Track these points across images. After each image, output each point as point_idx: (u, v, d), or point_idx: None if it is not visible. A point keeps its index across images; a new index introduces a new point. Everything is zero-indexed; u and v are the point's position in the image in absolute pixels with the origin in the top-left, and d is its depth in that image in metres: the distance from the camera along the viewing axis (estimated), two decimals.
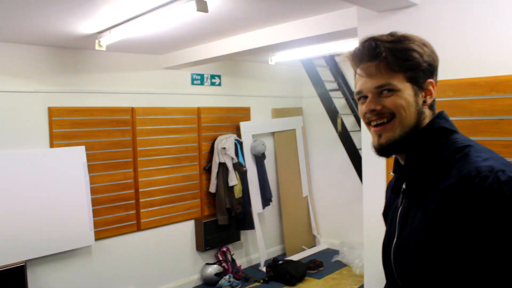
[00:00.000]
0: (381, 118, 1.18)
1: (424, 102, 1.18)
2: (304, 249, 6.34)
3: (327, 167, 6.47)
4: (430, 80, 1.18)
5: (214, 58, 4.37)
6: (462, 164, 1.06)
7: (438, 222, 1.04)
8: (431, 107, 1.21)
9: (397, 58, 1.14)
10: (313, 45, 4.28)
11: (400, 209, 1.22)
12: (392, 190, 1.28)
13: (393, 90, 1.15)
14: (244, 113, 5.81)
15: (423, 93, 1.18)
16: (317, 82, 5.70)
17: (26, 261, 3.86)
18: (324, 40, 3.67)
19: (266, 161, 5.85)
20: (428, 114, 1.19)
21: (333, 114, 5.56)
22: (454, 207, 1.01)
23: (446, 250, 1.03)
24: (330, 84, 5.80)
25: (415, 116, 1.17)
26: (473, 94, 2.54)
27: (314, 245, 6.53)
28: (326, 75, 5.86)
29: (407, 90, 1.16)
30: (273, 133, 6.20)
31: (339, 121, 5.51)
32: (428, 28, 2.64)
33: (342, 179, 6.15)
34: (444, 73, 2.55)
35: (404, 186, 1.22)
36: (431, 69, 1.19)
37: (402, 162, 1.24)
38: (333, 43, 4.12)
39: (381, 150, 1.20)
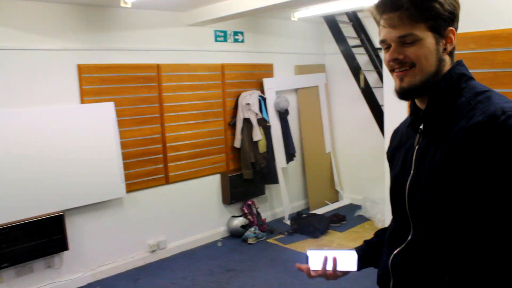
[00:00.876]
0: (403, 66, 1.24)
1: (445, 49, 1.24)
2: (327, 204, 6.49)
3: (349, 123, 6.53)
4: (451, 28, 1.23)
5: (237, 14, 4.41)
6: (485, 104, 1.14)
7: (463, 156, 1.12)
8: (451, 54, 1.27)
9: (418, 9, 1.19)
10: (335, 1, 4.29)
11: (417, 148, 1.29)
12: (412, 129, 1.35)
13: (415, 40, 1.21)
14: (267, 70, 5.87)
15: (444, 41, 1.23)
16: (339, 39, 5.69)
17: (64, 211, 4.10)
18: None
19: (289, 117, 5.93)
20: (447, 61, 1.26)
21: (356, 71, 5.58)
22: (480, 143, 1.10)
23: (469, 182, 1.12)
24: (353, 40, 5.79)
25: (435, 64, 1.23)
26: (495, 46, 2.56)
27: (337, 200, 6.67)
28: (349, 32, 5.85)
29: (428, 39, 1.21)
30: (296, 90, 6.26)
31: (362, 77, 5.54)
32: None
33: (365, 135, 6.21)
34: (466, 25, 2.58)
35: (421, 126, 1.30)
36: (452, 17, 1.23)
37: (419, 105, 1.31)
38: None
39: (403, 93, 1.27)
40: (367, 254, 1.54)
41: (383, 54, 1.31)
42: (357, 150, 6.43)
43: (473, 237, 1.15)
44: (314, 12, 5.11)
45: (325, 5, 4.68)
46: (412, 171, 1.29)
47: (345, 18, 5.88)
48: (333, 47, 6.03)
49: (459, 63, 1.27)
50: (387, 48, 1.27)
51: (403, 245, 1.30)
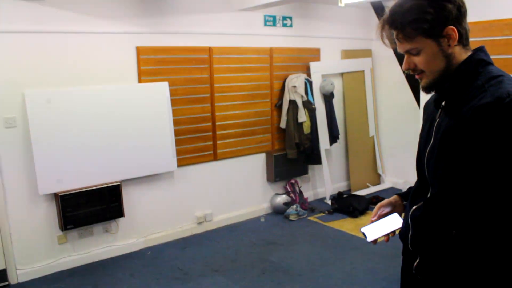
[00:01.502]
0: (416, 72, 1.50)
1: (449, 45, 1.43)
2: (369, 187, 6.64)
3: (394, 108, 6.61)
4: (450, 26, 1.40)
5: (286, 0, 4.59)
6: (496, 88, 1.33)
7: (470, 131, 1.33)
8: (462, 43, 1.44)
9: (410, 29, 1.41)
10: None
11: (437, 121, 1.51)
12: (435, 105, 1.56)
13: (418, 51, 1.44)
14: (314, 54, 6.03)
15: (445, 39, 1.42)
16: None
17: (121, 181, 4.47)
18: None
19: (334, 100, 6.09)
20: (457, 52, 1.44)
21: (400, 56, 5.63)
22: (486, 120, 1.30)
23: (474, 152, 1.33)
24: None
25: (443, 61, 1.44)
26: None
27: (379, 183, 6.80)
28: None
29: (429, 46, 1.42)
30: (342, 74, 6.39)
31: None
32: None
33: (408, 120, 6.26)
34: (501, 12, 2.71)
35: (443, 103, 1.51)
36: (446, 18, 1.40)
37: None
38: None
39: (425, 89, 1.52)
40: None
41: None
42: (400, 134, 6.50)
43: (476, 197, 1.37)
44: None
45: None
46: (431, 141, 1.51)
47: (392, 4, 5.93)
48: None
49: (480, 49, 1.47)
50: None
51: (421, 202, 1.54)
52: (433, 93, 1.55)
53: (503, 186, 1.31)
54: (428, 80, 1.48)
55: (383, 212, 1.78)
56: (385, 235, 1.69)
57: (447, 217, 1.44)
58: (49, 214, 4.22)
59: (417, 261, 1.57)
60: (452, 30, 1.41)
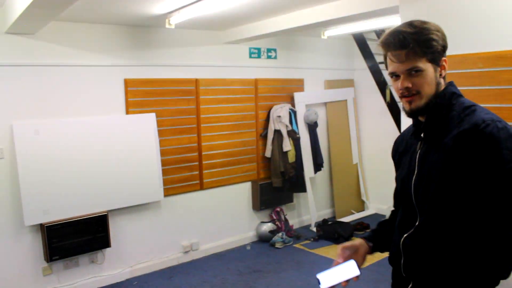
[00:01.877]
0: (410, 92, 1.56)
1: (440, 75, 1.57)
2: (353, 213, 6.72)
3: (376, 136, 6.75)
4: (444, 58, 1.57)
5: (270, 33, 4.75)
6: (471, 116, 1.48)
7: (454, 156, 1.46)
8: (444, 77, 1.59)
9: (421, 47, 1.51)
10: (362, 21, 4.59)
11: (419, 152, 1.62)
12: (414, 137, 1.67)
13: (419, 71, 1.53)
14: (298, 84, 6.19)
15: (439, 69, 1.56)
16: (367, 55, 5.97)
17: (108, 211, 4.50)
18: (369, 16, 4.00)
19: (318, 129, 6.22)
20: (442, 83, 1.59)
21: (382, 86, 5.84)
22: (466, 145, 1.44)
23: (459, 176, 1.45)
24: (380, 56, 6.00)
25: (434, 87, 1.56)
26: (501, 65, 2.81)
27: (363, 210, 6.89)
28: (376, 48, 6.09)
29: (429, 69, 1.54)
30: (325, 103, 6.54)
31: (388, 92, 5.79)
32: (464, 5, 2.93)
33: (390, 147, 6.30)
34: (475, 46, 2.87)
35: (422, 135, 1.62)
36: (444, 49, 1.57)
37: (420, 118, 1.63)
38: (381, 18, 4.41)
39: (412, 113, 1.60)
40: (375, 240, 1.86)
41: (392, 82, 1.63)
42: (383, 161, 6.57)
43: (463, 220, 1.47)
44: (344, 30, 5.40)
45: (354, 24, 4.96)
46: (416, 171, 1.62)
47: (373, 36, 6.14)
48: (361, 63, 6.30)
49: (451, 84, 1.61)
50: (397, 78, 1.59)
51: (412, 230, 1.62)
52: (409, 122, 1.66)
53: (483, 202, 1.43)
54: (419, 103, 1.55)
55: (345, 255, 1.80)
56: (340, 283, 1.72)
57: (439, 241, 1.54)
58: (34, 245, 4.22)
59: (410, 285, 1.65)
60: (445, 61, 1.56)
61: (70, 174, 4.24)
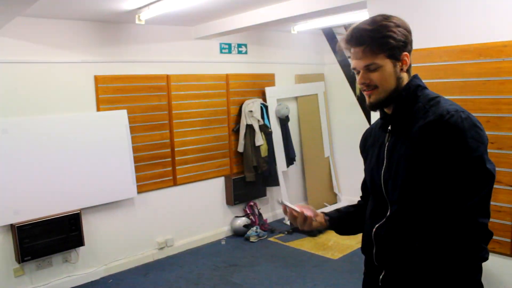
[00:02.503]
0: (369, 87, 1.61)
1: (401, 69, 1.61)
2: (326, 206, 6.81)
3: (347, 129, 6.85)
4: (405, 52, 1.60)
5: (240, 28, 4.77)
6: (436, 108, 1.52)
7: (421, 147, 1.50)
8: (407, 71, 1.64)
9: (377, 44, 1.56)
10: (331, 16, 4.65)
11: (387, 144, 1.67)
12: (382, 130, 1.72)
13: (377, 67, 1.58)
14: (269, 79, 6.23)
15: (400, 63, 1.60)
16: (337, 50, 6.04)
17: (81, 209, 4.46)
18: (338, 11, 4.05)
19: (290, 124, 6.28)
20: (405, 77, 1.63)
21: (352, 80, 5.94)
22: (431, 136, 1.48)
23: (425, 166, 1.49)
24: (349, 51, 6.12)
25: (394, 82, 1.61)
26: (465, 58, 2.92)
27: (336, 202, 6.99)
28: None
29: (387, 65, 1.58)
30: (296, 98, 6.60)
31: (357, 86, 5.88)
32: (430, 0, 3.03)
33: None
34: (440, 40, 2.96)
35: (389, 127, 1.67)
36: (405, 44, 1.60)
37: (386, 111, 1.68)
38: (350, 13, 4.49)
39: (371, 106, 1.66)
40: (333, 218, 1.90)
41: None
42: (354, 154, 6.67)
43: (432, 209, 1.51)
44: (313, 25, 5.46)
45: (323, 19, 5.02)
46: (385, 163, 1.66)
47: (343, 30, 6.22)
48: (331, 57, 6.39)
49: (415, 77, 1.65)
50: (358, 72, 1.64)
51: (383, 220, 1.66)
52: (375, 114, 1.71)
53: (451, 190, 1.47)
54: (378, 97, 1.61)
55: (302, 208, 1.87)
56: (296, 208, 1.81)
57: (409, 230, 1.58)
58: (4, 246, 4.15)
59: (383, 274, 1.68)
60: (407, 56, 1.60)
61: (40, 173, 4.18)
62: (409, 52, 1.62)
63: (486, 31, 2.79)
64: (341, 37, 1.65)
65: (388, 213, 1.65)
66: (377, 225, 1.68)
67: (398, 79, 1.61)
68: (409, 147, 1.55)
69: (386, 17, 1.59)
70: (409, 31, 1.62)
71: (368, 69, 1.58)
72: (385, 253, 1.67)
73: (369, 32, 1.56)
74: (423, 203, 1.53)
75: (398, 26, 1.58)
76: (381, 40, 1.56)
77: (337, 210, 1.96)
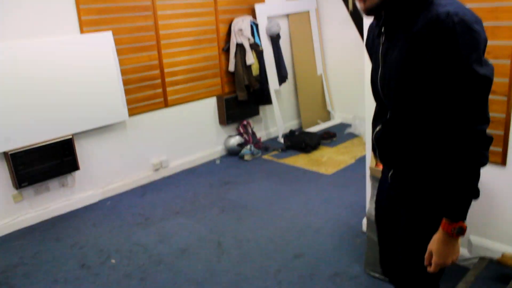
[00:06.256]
0: None
1: None
2: (319, 123, 6.85)
3: (340, 46, 6.73)
4: None
5: None
6: (427, 11, 1.45)
7: (412, 52, 1.47)
8: None
9: None
10: None
11: (381, 48, 1.65)
12: (377, 34, 1.68)
13: None
14: None
15: None
16: None
17: (72, 135, 4.44)
18: None
19: (281, 42, 6.14)
20: None
21: None
22: (422, 42, 1.43)
23: (417, 73, 1.47)
24: None
25: None
26: None
27: (329, 120, 7.02)
28: None
29: None
30: (287, 15, 6.41)
31: (350, 0, 5.70)
32: None
33: (354, 57, 6.36)
34: None
35: (383, 30, 1.63)
36: None
37: (382, 14, 1.62)
38: None
39: (367, 11, 1.59)
40: None
41: None
42: (347, 71, 6.67)
43: (425, 114, 1.52)
44: None
45: None
46: (380, 67, 1.66)
47: None
48: None
49: None
50: None
51: (381, 124, 1.71)
52: (369, 18, 1.67)
53: (444, 96, 1.45)
54: (374, 1, 1.53)
55: None
56: None
57: (404, 134, 1.62)
58: (1, 174, 4.17)
59: (391, 171, 1.78)
60: None
61: (28, 99, 4.10)
62: None
63: None
64: None
65: (386, 118, 1.69)
66: (377, 129, 1.75)
67: None
68: (401, 52, 1.51)
69: None
70: None
71: None
72: (385, 155, 1.76)
73: None
74: (418, 109, 1.53)
75: None
76: None
77: None
